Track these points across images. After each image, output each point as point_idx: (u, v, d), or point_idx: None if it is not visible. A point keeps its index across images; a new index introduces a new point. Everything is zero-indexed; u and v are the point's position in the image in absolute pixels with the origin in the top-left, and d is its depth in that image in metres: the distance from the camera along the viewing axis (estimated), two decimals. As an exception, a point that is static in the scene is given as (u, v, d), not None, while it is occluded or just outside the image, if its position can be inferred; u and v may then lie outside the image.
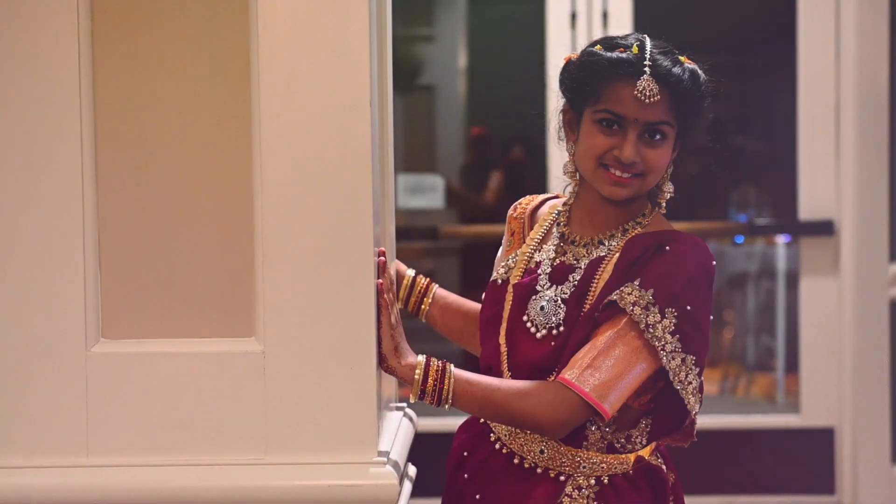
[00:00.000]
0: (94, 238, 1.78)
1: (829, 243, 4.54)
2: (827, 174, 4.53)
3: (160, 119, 1.78)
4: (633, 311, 1.89)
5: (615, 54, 1.94)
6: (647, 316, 1.89)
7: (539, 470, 1.99)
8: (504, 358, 2.02)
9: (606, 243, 2.00)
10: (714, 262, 1.96)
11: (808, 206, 4.56)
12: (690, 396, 1.92)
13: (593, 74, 1.95)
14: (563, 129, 2.05)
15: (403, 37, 5.85)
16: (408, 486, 1.94)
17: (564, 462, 1.98)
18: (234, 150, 1.78)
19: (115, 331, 1.79)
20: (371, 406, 1.78)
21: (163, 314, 1.79)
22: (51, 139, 1.76)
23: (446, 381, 1.88)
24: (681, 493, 2.08)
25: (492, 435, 2.04)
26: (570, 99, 2.02)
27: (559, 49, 4.46)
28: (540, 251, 2.07)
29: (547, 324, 1.98)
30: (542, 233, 2.10)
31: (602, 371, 1.88)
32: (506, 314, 2.04)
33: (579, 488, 1.98)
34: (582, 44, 2.03)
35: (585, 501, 1.97)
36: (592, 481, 1.98)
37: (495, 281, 2.10)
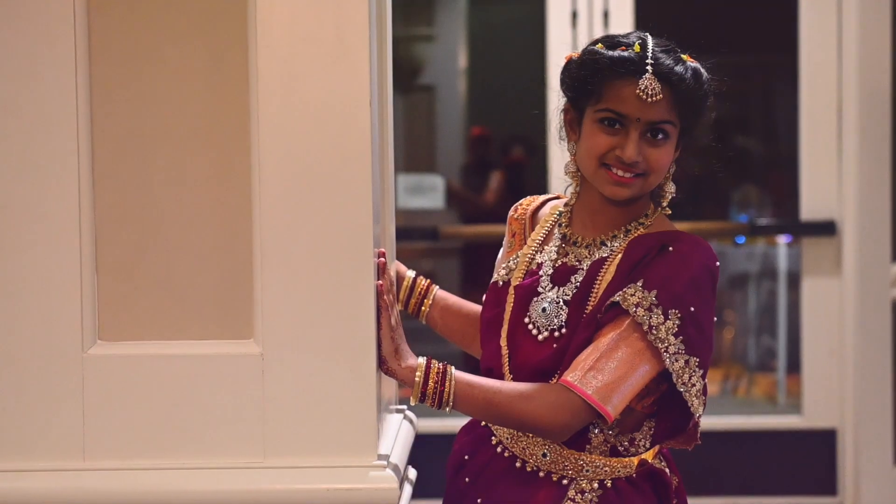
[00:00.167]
0: (91, 238, 1.77)
1: (831, 243, 4.54)
2: (829, 174, 4.53)
3: (157, 119, 1.77)
4: (636, 312, 1.88)
5: (617, 53, 1.93)
6: (651, 317, 1.87)
7: (541, 473, 1.97)
8: (505, 360, 2.00)
9: (609, 244, 1.99)
10: (717, 263, 1.95)
11: (810, 207, 4.56)
12: (694, 399, 1.91)
13: (595, 73, 1.94)
14: (564, 129, 2.04)
15: (403, 37, 5.85)
16: (408, 490, 1.93)
17: (567, 465, 1.96)
18: (232, 150, 1.77)
19: (111, 333, 1.78)
20: (371, 409, 1.76)
21: (160, 316, 1.78)
22: (47, 139, 1.75)
23: (447, 384, 1.86)
24: (684, 496, 2.06)
25: (493, 438, 2.03)
26: (572, 98, 2.00)
27: (560, 49, 4.45)
28: (541, 252, 2.06)
29: (549, 326, 1.97)
30: (544, 234, 2.08)
31: (605, 373, 1.86)
32: (507, 316, 2.03)
33: (582, 492, 1.96)
34: (583, 43, 2.02)
35: (588, 505, 1.96)
36: (595, 485, 1.96)
37: (496, 283, 2.09)
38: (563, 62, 2.04)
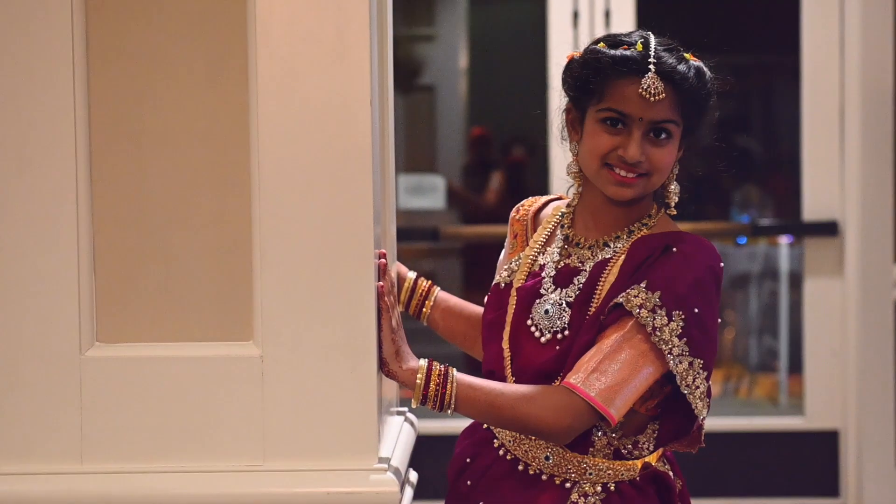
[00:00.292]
0: (89, 239, 1.76)
1: (834, 244, 4.54)
2: (831, 175, 4.52)
3: (156, 119, 1.75)
4: (639, 313, 1.86)
5: (619, 52, 1.92)
6: (654, 319, 1.86)
7: (544, 476, 1.96)
8: (507, 363, 1.99)
9: (612, 245, 1.98)
10: (721, 264, 1.93)
11: (812, 207, 4.56)
12: (698, 401, 1.89)
13: (597, 72, 1.93)
14: (566, 129, 2.03)
15: (404, 36, 5.84)
16: (409, 493, 1.92)
17: (570, 468, 1.95)
18: (231, 150, 1.76)
19: (109, 334, 1.77)
20: (371, 411, 1.75)
21: (159, 317, 1.76)
22: (44, 139, 1.74)
23: (449, 386, 1.85)
24: (688, 499, 2.05)
25: (495, 441, 2.02)
26: (574, 98, 1.99)
27: (561, 49, 4.44)
28: (544, 254, 2.04)
29: (552, 328, 1.95)
30: (546, 235, 2.07)
31: (608, 375, 1.85)
32: (509, 318, 2.01)
33: (585, 495, 1.95)
34: (584, 43, 2.01)
35: (591, 509, 1.94)
36: (599, 488, 1.95)
37: (498, 284, 2.07)
38: (564, 62, 2.02)
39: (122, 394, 1.75)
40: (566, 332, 1.94)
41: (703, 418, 1.93)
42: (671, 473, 2.02)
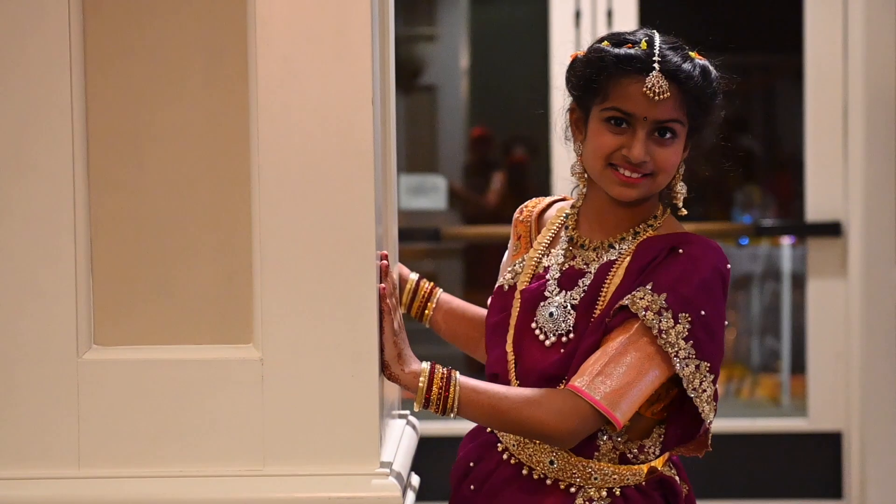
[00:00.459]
0: (86, 240, 1.74)
1: (837, 245, 4.53)
2: (834, 175, 4.51)
3: (154, 117, 1.74)
4: (645, 315, 1.85)
5: (623, 50, 1.90)
6: (660, 321, 1.84)
7: (549, 481, 1.94)
8: (511, 366, 1.98)
9: (617, 247, 1.96)
10: (728, 266, 1.92)
11: (816, 208, 4.55)
12: (705, 405, 1.88)
13: (600, 71, 1.91)
14: (570, 129, 2.01)
15: (405, 36, 5.83)
16: (411, 497, 1.91)
17: (575, 473, 1.93)
18: (231, 149, 1.74)
19: (107, 337, 1.75)
20: (373, 415, 1.73)
21: (157, 320, 1.75)
22: (41, 138, 1.72)
23: (451, 390, 1.83)
24: (694, 504, 2.03)
25: (499, 445, 2.00)
26: (577, 97, 1.97)
27: (563, 48, 4.40)
28: (548, 256, 2.03)
29: (556, 331, 1.94)
30: (550, 236, 2.05)
31: (613, 378, 1.83)
32: (513, 321, 2.00)
33: (590, 500, 1.93)
34: (586, 43, 1.99)
35: (597, 514, 1.93)
36: (604, 493, 1.93)
37: (501, 287, 2.06)
38: (568, 61, 2.01)
39: (119, 397, 1.73)
40: (571, 335, 1.92)
41: (710, 422, 1.91)
42: (677, 478, 2.00)
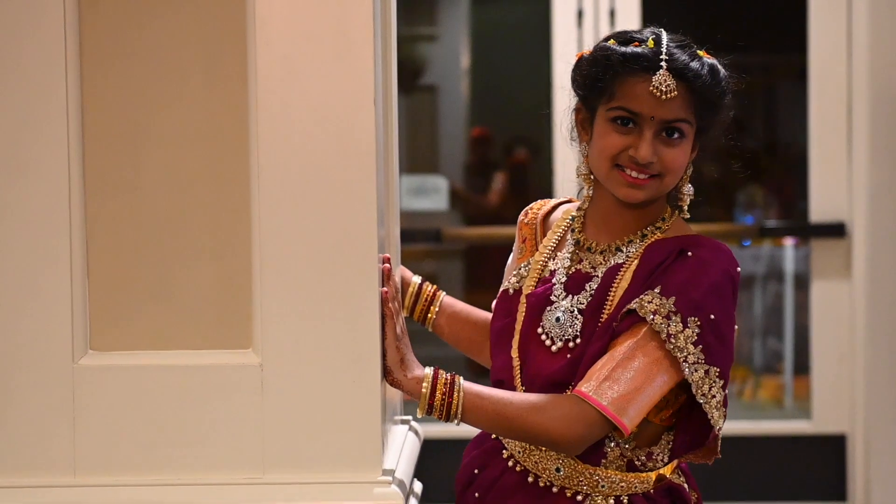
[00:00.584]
0: (82, 243, 1.72)
1: (841, 246, 4.52)
2: (838, 176, 4.51)
3: (151, 118, 1.71)
4: (653, 320, 1.82)
5: (629, 49, 1.88)
6: (669, 325, 1.82)
7: (555, 489, 1.92)
8: (517, 372, 1.95)
9: (624, 250, 1.94)
10: (739, 269, 1.89)
11: (820, 209, 4.55)
12: (714, 411, 1.85)
13: (607, 70, 1.89)
14: (575, 130, 1.99)
15: (406, 36, 5.84)
16: (414, 504, 1.88)
17: (582, 481, 1.91)
18: (230, 150, 1.71)
19: (103, 342, 1.73)
20: (375, 422, 1.71)
21: (154, 324, 1.73)
22: (36, 139, 1.70)
23: (455, 395, 1.81)
24: (703, 512, 2.00)
25: (504, 451, 1.97)
26: (583, 97, 1.95)
27: (565, 48, 4.42)
28: (554, 259, 2.00)
29: (563, 336, 1.92)
30: (556, 239, 2.03)
31: (621, 383, 1.81)
32: (518, 326, 1.98)
33: (597, 509, 1.91)
34: (589, 43, 1.97)
35: (604, 523, 1.91)
36: (611, 501, 1.91)
37: (506, 290, 2.03)
38: (574, 60, 1.99)
39: (116, 404, 1.71)
40: (578, 340, 1.90)
41: (720, 429, 1.89)
42: (686, 486, 1.98)
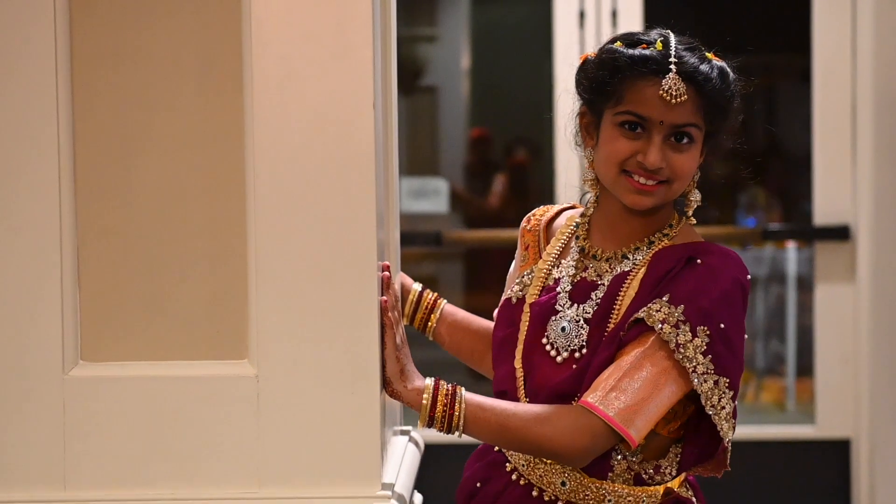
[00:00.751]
0: (73, 251, 1.69)
1: (845, 249, 4.52)
2: (843, 178, 4.51)
3: (144, 122, 1.68)
4: (661, 329, 1.79)
5: (638, 51, 1.85)
6: (678, 335, 1.79)
7: (560, 503, 1.88)
8: (521, 383, 1.92)
9: (631, 257, 1.90)
10: (749, 277, 1.87)
11: (824, 211, 4.55)
12: (723, 422, 1.82)
13: (614, 73, 1.86)
14: (580, 134, 1.96)
15: (405, 37, 5.85)
16: (414, 518, 1.85)
17: (588, 495, 1.87)
18: (225, 155, 1.68)
19: (94, 353, 1.70)
20: (374, 435, 1.68)
21: (147, 334, 1.69)
22: (24, 144, 1.67)
23: (457, 407, 1.79)
24: (711, 527, 1.96)
25: (508, 464, 1.94)
26: (589, 100, 1.92)
27: (567, 49, 4.43)
28: (558, 267, 1.97)
29: (568, 346, 1.89)
30: (560, 247, 2.00)
31: (628, 394, 1.78)
32: (522, 336, 1.94)
33: (604, 524, 1.87)
34: (590, 44, 1.93)
35: (610, 537, 1.87)
36: (618, 516, 1.87)
37: (509, 299, 2.00)
38: (578, 62, 1.96)
39: (107, 416, 1.68)
40: (584, 351, 1.87)
41: (729, 441, 1.86)
42: (694, 500, 1.96)
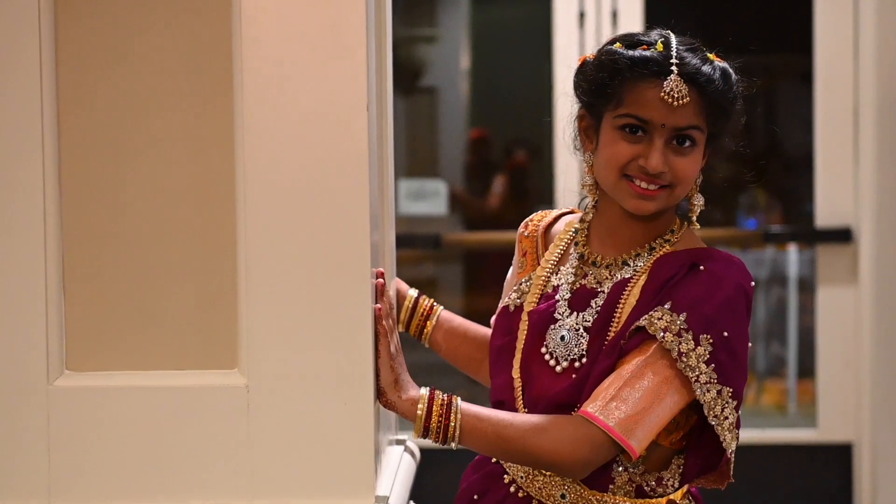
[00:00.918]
0: (58, 257, 1.67)
1: (847, 251, 4.50)
2: (844, 179, 4.49)
3: (131, 124, 1.67)
4: (663, 337, 1.76)
5: (638, 52, 1.82)
6: (680, 343, 1.75)
7: (560, 516, 1.86)
8: (519, 393, 1.89)
9: (632, 264, 1.87)
10: (752, 283, 1.84)
11: (826, 213, 4.53)
12: (727, 433, 1.79)
13: (614, 75, 1.82)
14: (579, 138, 1.92)
15: (405, 37, 5.86)
16: (409, 531, 1.83)
17: (589, 508, 1.85)
18: (214, 158, 1.67)
19: (80, 362, 1.69)
20: (368, 446, 1.66)
21: (134, 343, 1.68)
22: (8, 147, 1.65)
23: (452, 417, 1.76)
24: (715, 540, 1.93)
25: (506, 476, 1.90)
26: (588, 103, 1.89)
27: (567, 50, 4.42)
28: (557, 274, 1.94)
29: (568, 355, 1.85)
30: (559, 253, 1.96)
31: (628, 403, 1.75)
32: (520, 345, 1.91)
33: (604, 537, 1.85)
34: (590, 44, 1.90)
35: (610, 551, 1.85)
36: (619, 530, 1.85)
37: (507, 307, 1.97)
38: (577, 64, 1.92)
39: (93, 427, 1.67)
40: (584, 360, 1.84)
41: (732, 451, 1.83)
42: (697, 512, 1.93)
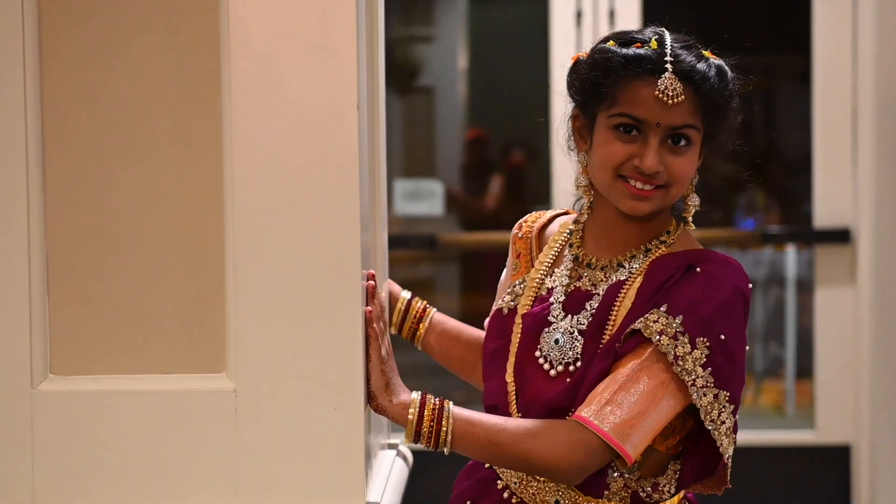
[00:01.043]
0: (42, 259, 1.65)
1: (846, 252, 4.50)
2: (843, 180, 4.49)
3: (117, 124, 1.64)
4: (659, 340, 1.73)
5: (632, 50, 1.79)
6: (676, 346, 1.73)
7: (554, 522, 1.84)
8: (512, 397, 1.87)
9: (627, 266, 1.85)
10: (750, 285, 1.81)
11: (824, 214, 4.53)
12: (723, 438, 1.76)
13: (607, 74, 1.80)
14: (573, 138, 1.90)
15: (402, 37, 5.86)
16: (400, 537, 1.80)
17: (583, 514, 1.82)
18: (201, 158, 1.65)
19: (64, 366, 1.67)
20: (358, 451, 1.64)
21: (120, 347, 1.66)
22: None
23: (444, 422, 1.73)
24: (711, 546, 1.91)
25: (500, 482, 1.88)
26: (581, 103, 1.86)
27: (564, 50, 4.41)
28: (551, 276, 1.91)
29: (562, 359, 1.83)
30: (553, 255, 1.94)
31: (623, 408, 1.72)
32: (514, 348, 1.89)
33: (599, 544, 1.82)
34: (588, 44, 1.87)
35: (605, 559, 1.82)
36: (614, 536, 1.82)
37: (500, 310, 1.94)
38: (569, 63, 1.90)
39: (78, 432, 1.64)
40: (578, 364, 1.82)
41: (729, 456, 1.80)
42: (694, 519, 1.91)
